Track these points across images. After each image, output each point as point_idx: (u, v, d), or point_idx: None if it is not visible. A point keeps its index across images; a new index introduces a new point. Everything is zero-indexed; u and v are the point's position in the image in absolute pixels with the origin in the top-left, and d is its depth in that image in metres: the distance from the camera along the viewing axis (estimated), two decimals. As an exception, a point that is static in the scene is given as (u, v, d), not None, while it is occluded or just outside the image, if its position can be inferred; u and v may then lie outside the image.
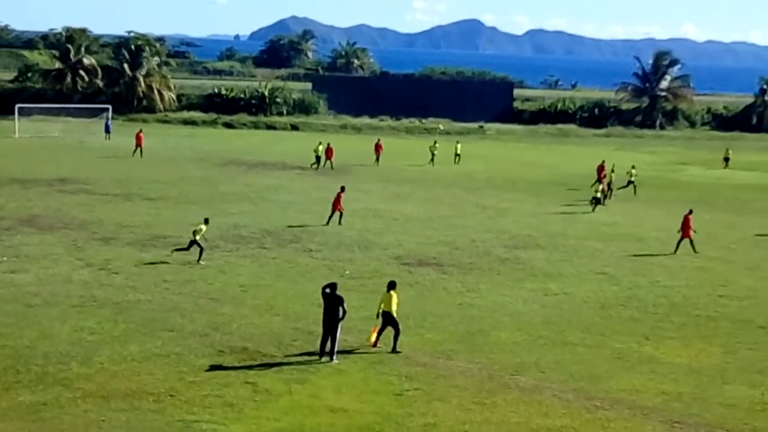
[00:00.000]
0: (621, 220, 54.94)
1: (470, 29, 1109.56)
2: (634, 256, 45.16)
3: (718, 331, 33.04)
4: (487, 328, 31.92)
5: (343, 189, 49.87)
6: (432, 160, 77.44)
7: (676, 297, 37.42)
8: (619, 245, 47.39)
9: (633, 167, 67.73)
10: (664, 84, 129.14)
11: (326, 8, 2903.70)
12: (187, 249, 39.81)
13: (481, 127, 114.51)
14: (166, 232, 45.49)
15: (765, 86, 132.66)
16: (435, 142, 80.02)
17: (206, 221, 40.76)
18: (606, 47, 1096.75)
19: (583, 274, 40.85)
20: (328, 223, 48.48)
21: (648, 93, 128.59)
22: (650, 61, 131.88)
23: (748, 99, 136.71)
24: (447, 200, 59.58)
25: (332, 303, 27.63)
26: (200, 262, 39.33)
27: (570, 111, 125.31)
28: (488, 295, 36.43)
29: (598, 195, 58.57)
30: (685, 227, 46.29)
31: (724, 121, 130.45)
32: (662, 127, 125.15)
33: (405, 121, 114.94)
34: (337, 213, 48.78)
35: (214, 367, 26.76)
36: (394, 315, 28.66)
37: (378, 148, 77.13)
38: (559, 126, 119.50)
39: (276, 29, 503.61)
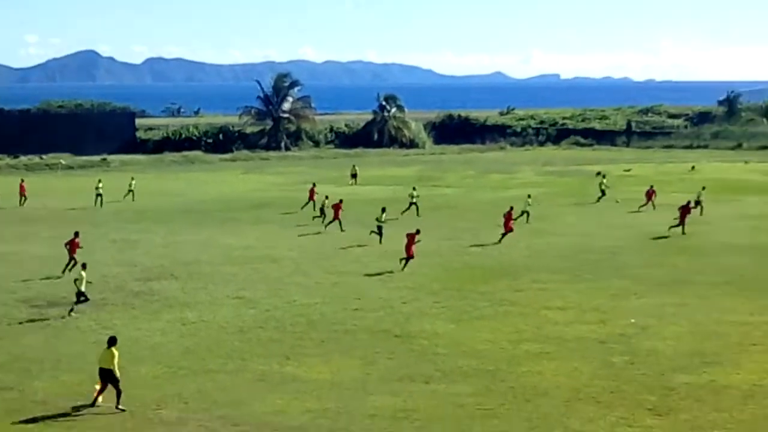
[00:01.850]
0: (254, 243, 54.92)
1: (87, 61, 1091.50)
2: (270, 277, 45.20)
3: (356, 344, 33.47)
4: (126, 364, 30.72)
5: (77, 234, 46.70)
6: (98, 199, 72.66)
7: (313, 314, 37.65)
8: (254, 267, 47.32)
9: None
10: (286, 106, 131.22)
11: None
12: (77, 302, 37.91)
13: (105, 159, 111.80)
14: None
15: (383, 102, 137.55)
16: (99, 181, 75.51)
17: (84, 266, 38.96)
18: (227, 72, 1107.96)
19: (219, 300, 40.43)
20: (64, 271, 45.19)
21: (271, 115, 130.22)
22: (271, 84, 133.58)
23: (368, 116, 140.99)
24: (75, 236, 57.46)
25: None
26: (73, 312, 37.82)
27: (194, 138, 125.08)
28: (124, 330, 35.24)
29: (381, 223, 54.70)
30: (409, 245, 46.52)
31: (347, 139, 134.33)
32: (288, 149, 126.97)
33: (24, 159, 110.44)
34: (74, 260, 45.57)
35: None
36: (114, 372, 26.75)
37: (22, 188, 73.47)
38: (185, 153, 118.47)
39: None
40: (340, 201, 60.87)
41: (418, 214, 64.65)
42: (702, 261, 48.47)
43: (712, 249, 52.01)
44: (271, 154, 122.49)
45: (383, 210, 55.73)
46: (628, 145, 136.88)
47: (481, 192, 77.99)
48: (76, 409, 26.59)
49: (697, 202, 64.26)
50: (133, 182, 77.61)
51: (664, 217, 62.55)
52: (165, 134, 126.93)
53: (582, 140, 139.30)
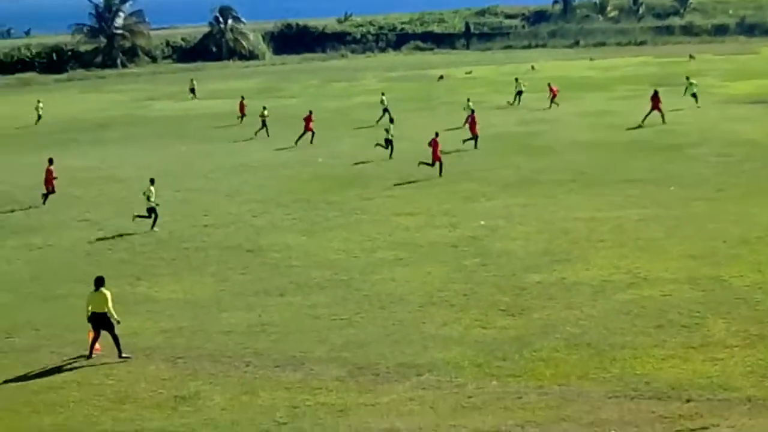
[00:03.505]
0: (98, 164, 53.71)
1: None
2: (115, 197, 44.36)
3: (208, 261, 33.18)
4: (-29, 295, 30.13)
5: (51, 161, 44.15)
6: None
7: (162, 233, 37.09)
8: (99, 189, 46.47)
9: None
10: (119, 21, 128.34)
11: None
12: (148, 216, 37.51)
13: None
14: None
15: (217, 14, 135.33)
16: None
17: (152, 181, 38.45)
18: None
19: (65, 223, 39.64)
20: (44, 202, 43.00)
21: (105, 32, 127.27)
22: (102, 1, 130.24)
23: (205, 29, 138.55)
24: None
25: None
26: (154, 229, 37.14)
27: (27, 59, 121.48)
28: (-33, 260, 34.39)
29: (389, 136, 51.89)
30: (435, 150, 45.57)
31: (184, 53, 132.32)
32: (124, 65, 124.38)
33: None
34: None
35: None
36: (112, 315, 24.16)
37: None
38: (18, 76, 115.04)
39: None
40: (310, 113, 59.38)
41: (391, 121, 60.09)
42: (546, 160, 49.14)
43: (555, 147, 52.70)
44: (108, 72, 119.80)
45: (391, 121, 54.76)
46: (467, 47, 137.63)
47: (325, 101, 77.57)
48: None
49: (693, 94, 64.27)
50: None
51: (509, 118, 63.46)
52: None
53: (422, 45, 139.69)
